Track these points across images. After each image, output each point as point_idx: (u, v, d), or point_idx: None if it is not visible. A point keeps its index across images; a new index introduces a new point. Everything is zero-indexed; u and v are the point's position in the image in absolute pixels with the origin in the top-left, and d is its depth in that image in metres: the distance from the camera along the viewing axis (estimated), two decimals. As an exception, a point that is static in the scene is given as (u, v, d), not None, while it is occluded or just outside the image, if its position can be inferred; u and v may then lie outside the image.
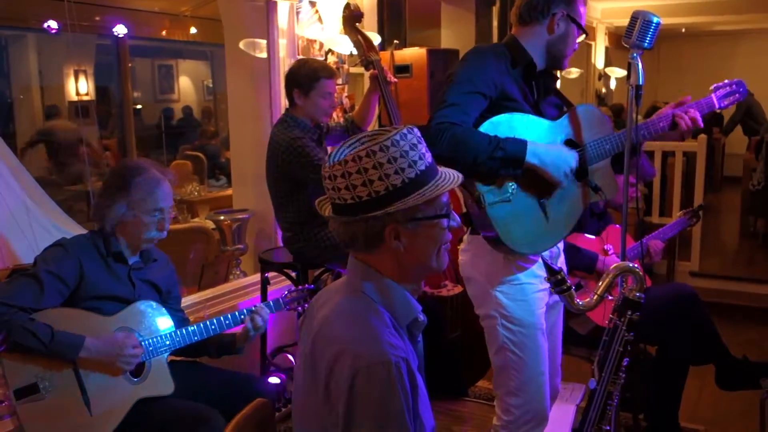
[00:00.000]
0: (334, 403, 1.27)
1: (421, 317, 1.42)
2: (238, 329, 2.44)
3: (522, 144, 1.97)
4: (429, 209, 1.36)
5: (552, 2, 2.12)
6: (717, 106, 2.30)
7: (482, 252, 2.14)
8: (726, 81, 2.34)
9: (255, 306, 2.44)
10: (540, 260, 2.13)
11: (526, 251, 2.10)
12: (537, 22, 2.14)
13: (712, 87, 2.33)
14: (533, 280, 2.14)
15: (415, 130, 1.36)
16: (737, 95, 2.33)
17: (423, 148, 1.35)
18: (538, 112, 2.17)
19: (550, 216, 2.09)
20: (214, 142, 8.59)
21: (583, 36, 2.19)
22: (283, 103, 3.71)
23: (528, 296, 2.13)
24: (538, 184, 2.05)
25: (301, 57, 3.59)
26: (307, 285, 2.66)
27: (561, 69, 2.27)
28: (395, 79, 3.23)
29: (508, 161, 1.96)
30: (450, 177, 1.38)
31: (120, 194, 2.24)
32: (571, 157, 2.05)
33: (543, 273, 2.13)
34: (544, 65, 2.20)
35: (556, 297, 2.25)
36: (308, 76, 3.10)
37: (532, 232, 2.08)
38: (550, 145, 2.05)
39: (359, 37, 3.21)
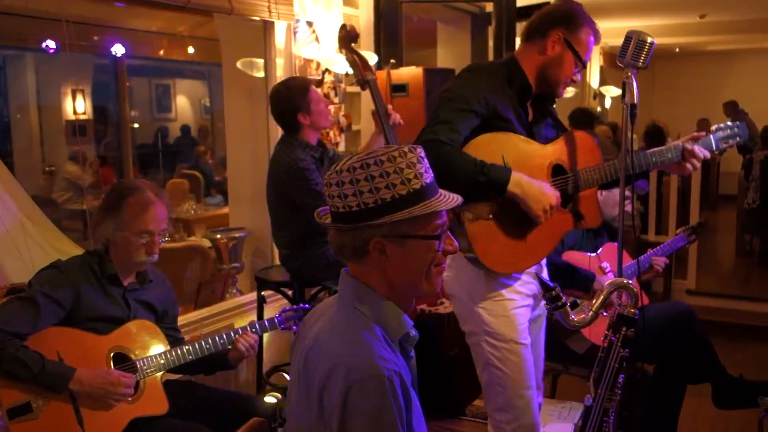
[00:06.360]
0: (328, 419, 1.27)
1: (413, 332, 1.42)
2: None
3: (506, 172, 1.98)
4: (419, 228, 1.35)
5: (551, 22, 2.13)
6: (714, 147, 2.30)
7: (464, 269, 2.14)
8: (729, 123, 2.35)
9: (245, 328, 2.44)
10: (522, 276, 2.15)
11: (503, 270, 2.10)
12: (535, 41, 2.15)
13: (713, 128, 2.34)
14: (515, 296, 2.15)
15: (419, 149, 1.36)
16: (738, 138, 2.33)
17: (422, 168, 1.35)
18: (531, 134, 2.17)
19: (529, 238, 2.09)
20: (204, 160, 8.62)
21: (581, 67, 2.16)
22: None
23: (510, 312, 2.13)
24: (520, 211, 2.05)
25: (276, 87, 3.29)
26: (302, 304, 2.65)
27: (555, 96, 2.24)
28: (399, 119, 3.26)
29: (490, 187, 1.96)
30: (447, 199, 1.37)
31: (111, 213, 2.24)
32: (552, 195, 2.05)
33: (524, 290, 2.16)
34: (537, 89, 2.19)
35: (538, 312, 2.26)
36: (299, 93, 3.11)
37: (510, 252, 2.08)
38: (534, 179, 2.04)
39: (355, 57, 3.23)
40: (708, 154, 2.27)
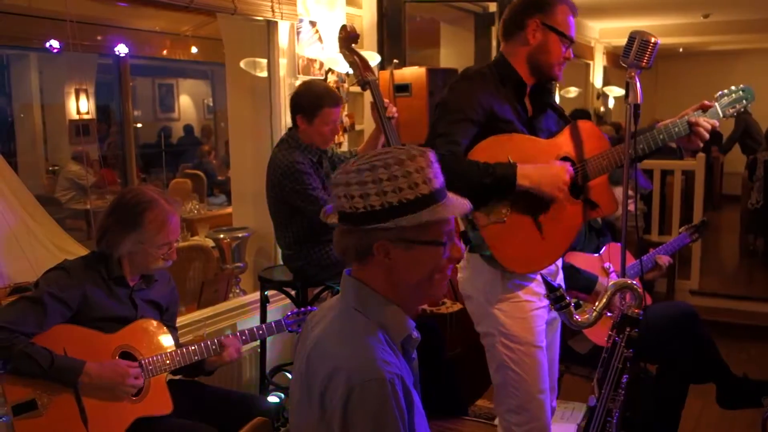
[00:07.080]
0: (329, 422, 1.26)
1: (415, 334, 1.41)
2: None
3: (511, 167, 1.97)
4: (425, 234, 1.33)
5: (525, 12, 2.13)
6: (721, 114, 2.27)
7: (481, 270, 2.13)
8: (732, 87, 2.30)
9: (235, 335, 2.44)
10: (539, 277, 2.13)
11: (522, 270, 2.09)
12: (516, 36, 2.15)
13: (717, 95, 2.30)
14: (532, 298, 2.13)
15: (429, 153, 1.34)
16: (744, 101, 2.29)
17: (431, 172, 1.32)
18: (533, 129, 2.17)
19: (546, 235, 2.08)
20: (207, 160, 8.63)
21: (569, 44, 2.14)
22: (284, 122, 3.73)
23: (527, 314, 2.12)
24: (534, 202, 2.05)
25: (306, 80, 3.52)
26: (309, 307, 2.65)
27: (553, 80, 2.22)
28: (395, 112, 3.23)
29: (499, 185, 1.96)
30: (455, 204, 1.35)
31: (130, 230, 2.23)
32: (563, 170, 2.04)
33: (542, 290, 2.13)
34: (534, 80, 2.18)
35: (554, 313, 2.25)
36: (312, 103, 3.10)
37: (527, 252, 2.07)
38: (540, 165, 2.03)
39: (355, 57, 3.23)
40: (716, 123, 2.22)
